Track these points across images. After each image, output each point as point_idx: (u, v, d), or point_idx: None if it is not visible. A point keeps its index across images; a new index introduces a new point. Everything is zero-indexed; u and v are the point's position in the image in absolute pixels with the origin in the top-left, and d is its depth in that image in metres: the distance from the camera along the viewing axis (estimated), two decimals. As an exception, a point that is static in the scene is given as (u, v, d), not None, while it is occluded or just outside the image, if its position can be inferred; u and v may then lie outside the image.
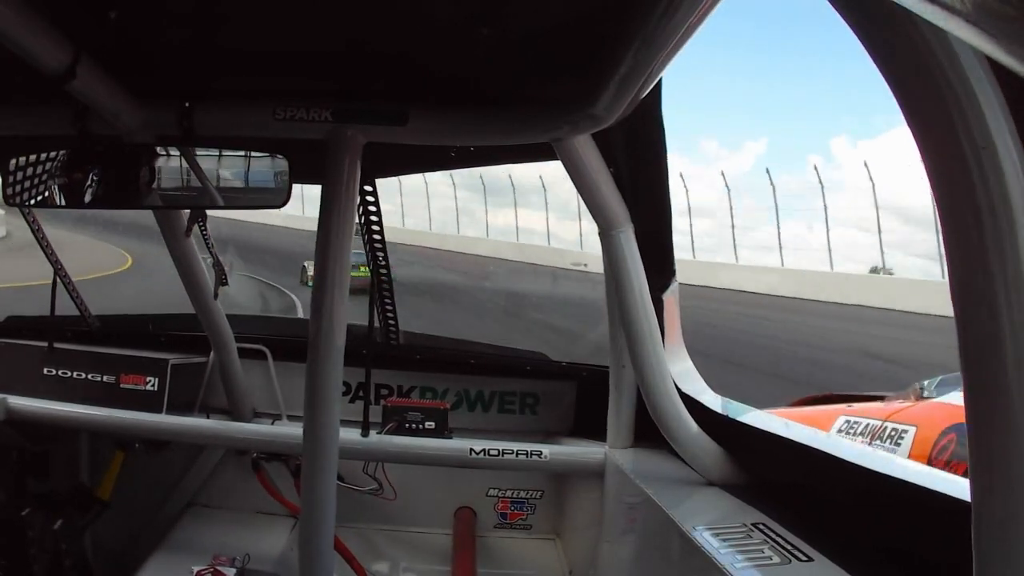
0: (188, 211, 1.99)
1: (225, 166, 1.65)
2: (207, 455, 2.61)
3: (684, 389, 1.98)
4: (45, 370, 2.43)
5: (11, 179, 1.61)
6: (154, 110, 1.62)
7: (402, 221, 25.73)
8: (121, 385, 2.40)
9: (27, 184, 1.61)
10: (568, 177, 1.75)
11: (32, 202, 1.64)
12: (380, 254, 2.42)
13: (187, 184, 1.64)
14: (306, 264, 17.35)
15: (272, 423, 2.51)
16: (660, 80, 1.33)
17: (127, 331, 2.86)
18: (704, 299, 14.04)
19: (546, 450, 2.27)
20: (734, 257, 22.24)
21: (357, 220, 2.01)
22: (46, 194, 1.62)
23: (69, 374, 2.42)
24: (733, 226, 21.96)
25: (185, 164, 1.62)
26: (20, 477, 2.25)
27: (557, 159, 1.70)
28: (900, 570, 1.22)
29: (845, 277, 19.03)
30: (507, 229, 27.20)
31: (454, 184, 26.11)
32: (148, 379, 2.39)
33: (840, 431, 4.19)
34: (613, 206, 1.80)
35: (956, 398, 3.63)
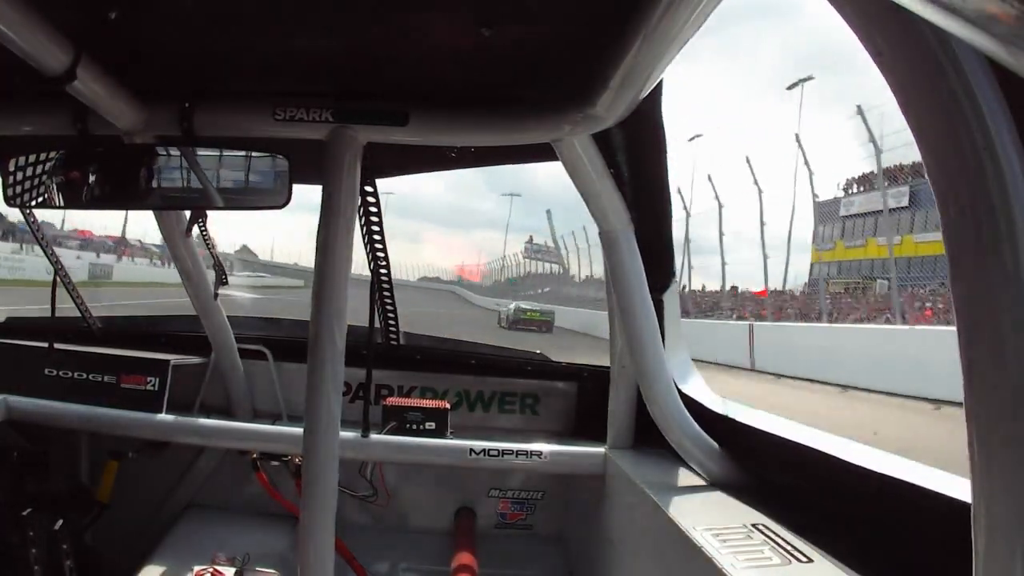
0: (188, 211, 1.99)
1: (225, 166, 1.65)
2: (207, 455, 2.61)
3: (684, 389, 1.98)
4: (45, 370, 2.43)
5: (11, 179, 1.61)
6: (154, 110, 1.62)
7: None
8: (121, 385, 2.40)
9: (27, 184, 1.61)
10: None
11: (32, 202, 1.64)
12: (380, 254, 2.41)
13: (187, 184, 1.63)
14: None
15: (272, 423, 2.52)
16: (660, 80, 1.33)
17: (127, 332, 2.86)
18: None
19: (546, 450, 2.28)
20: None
21: (358, 221, 2.01)
22: (46, 194, 1.62)
23: (69, 374, 2.42)
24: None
25: (185, 164, 1.62)
26: (20, 477, 2.25)
27: (557, 159, 1.70)
28: (900, 570, 1.22)
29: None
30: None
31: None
32: (148, 379, 2.39)
33: None
34: (613, 206, 1.81)
35: None
